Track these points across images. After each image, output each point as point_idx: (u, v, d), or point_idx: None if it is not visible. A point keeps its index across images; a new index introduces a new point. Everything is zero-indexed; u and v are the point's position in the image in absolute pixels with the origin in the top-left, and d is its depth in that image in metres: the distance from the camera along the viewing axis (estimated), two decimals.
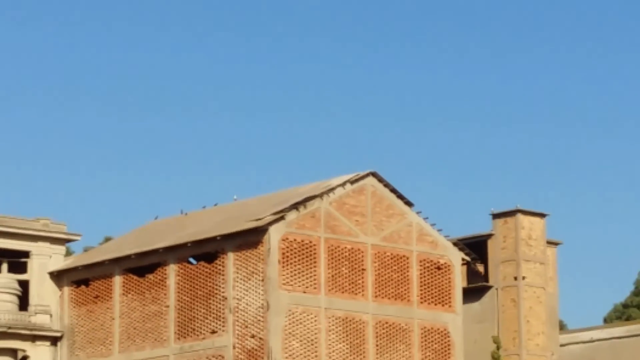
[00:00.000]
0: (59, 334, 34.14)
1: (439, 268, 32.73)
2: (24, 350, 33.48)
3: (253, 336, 27.55)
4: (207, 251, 31.13)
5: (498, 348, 33.65)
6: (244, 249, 29.03)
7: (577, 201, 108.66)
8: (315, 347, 28.12)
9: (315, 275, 28.96)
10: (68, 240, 37.80)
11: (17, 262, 34.89)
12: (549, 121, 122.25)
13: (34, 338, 33.53)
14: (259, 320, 27.42)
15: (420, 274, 31.82)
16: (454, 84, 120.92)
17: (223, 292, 29.30)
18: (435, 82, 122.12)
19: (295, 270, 28.52)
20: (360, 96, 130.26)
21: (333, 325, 28.86)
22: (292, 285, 28.08)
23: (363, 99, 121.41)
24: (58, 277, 35.13)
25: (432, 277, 32.21)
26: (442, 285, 32.40)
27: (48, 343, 33.93)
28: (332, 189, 30.43)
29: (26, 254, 34.94)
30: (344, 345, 28.98)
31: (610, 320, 59.85)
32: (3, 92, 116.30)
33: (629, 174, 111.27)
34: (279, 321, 27.03)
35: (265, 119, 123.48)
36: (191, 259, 31.89)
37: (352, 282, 29.97)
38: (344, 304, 29.50)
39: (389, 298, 30.85)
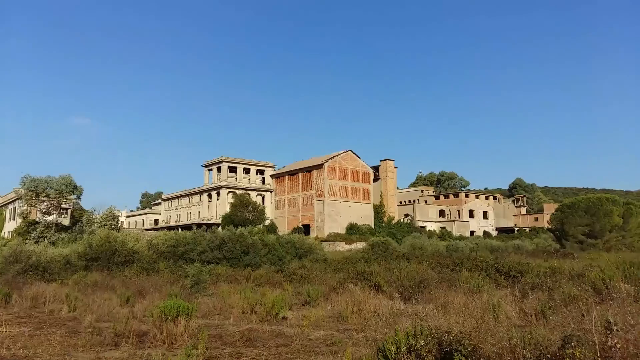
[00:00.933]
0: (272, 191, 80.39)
1: (366, 174, 77.60)
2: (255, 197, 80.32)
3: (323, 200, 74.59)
4: (308, 168, 75.47)
5: (381, 200, 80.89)
6: (317, 169, 74.30)
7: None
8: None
9: (335, 179, 74.46)
10: (272, 167, 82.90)
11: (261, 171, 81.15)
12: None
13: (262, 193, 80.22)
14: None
15: (362, 178, 76.81)
16: None
17: (315, 182, 75.01)
18: None
19: (331, 176, 74.12)
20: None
21: (342, 195, 75.35)
22: (329, 180, 73.93)
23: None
24: (272, 177, 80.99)
25: (366, 178, 77.26)
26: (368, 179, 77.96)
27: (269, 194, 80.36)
28: (340, 154, 76.01)
29: (262, 172, 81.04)
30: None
31: None
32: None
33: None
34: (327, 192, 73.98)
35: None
36: (305, 171, 76.76)
37: (344, 186, 75.73)
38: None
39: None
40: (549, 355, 4.46)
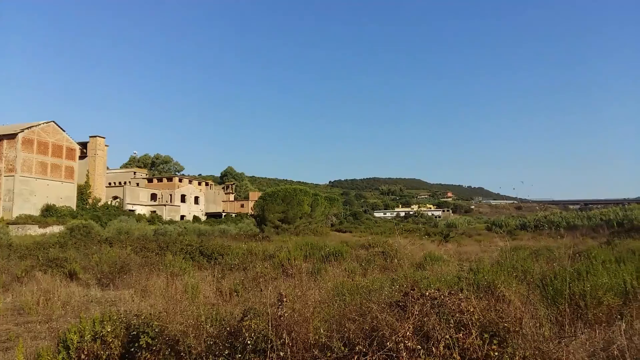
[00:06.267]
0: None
1: (72, 150, 69.98)
2: None
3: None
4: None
5: (87, 180, 74.45)
6: (9, 140, 63.20)
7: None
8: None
9: (32, 153, 64.71)
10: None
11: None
12: None
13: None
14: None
15: (66, 154, 68.86)
16: None
17: (4, 154, 63.18)
18: None
19: (27, 149, 64.03)
20: None
21: (39, 171, 65.78)
22: (24, 153, 63.89)
23: None
24: None
25: (71, 154, 69.47)
26: (74, 156, 70.36)
27: None
28: (39, 124, 66.66)
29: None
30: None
31: None
32: None
33: None
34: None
35: None
36: None
37: (42, 161, 66.43)
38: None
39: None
40: (229, 328, 4.85)
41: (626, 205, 52.02)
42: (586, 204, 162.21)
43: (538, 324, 5.53)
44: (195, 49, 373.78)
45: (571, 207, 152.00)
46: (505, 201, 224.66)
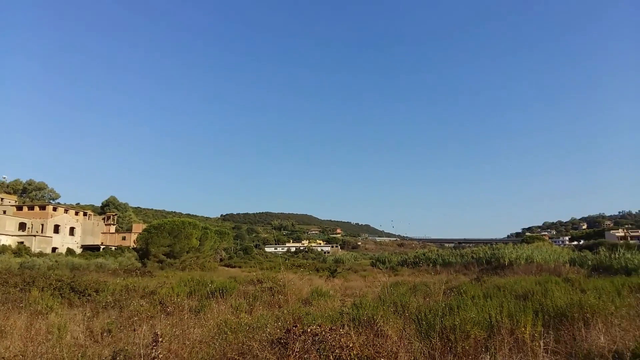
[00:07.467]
0: None
1: None
2: None
3: None
4: None
5: None
6: None
7: None
8: None
9: None
10: None
11: None
12: None
13: None
14: None
15: None
16: None
17: None
18: None
19: None
20: None
21: None
22: None
23: None
24: None
25: None
26: None
27: None
28: None
29: None
30: None
31: None
32: None
33: None
34: None
35: None
36: None
37: None
38: None
39: None
40: None
41: (494, 245, 56.86)
42: (460, 243, 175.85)
43: (413, 358, 5.78)
44: (82, 64, 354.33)
45: (446, 245, 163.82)
46: (388, 238, 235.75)
